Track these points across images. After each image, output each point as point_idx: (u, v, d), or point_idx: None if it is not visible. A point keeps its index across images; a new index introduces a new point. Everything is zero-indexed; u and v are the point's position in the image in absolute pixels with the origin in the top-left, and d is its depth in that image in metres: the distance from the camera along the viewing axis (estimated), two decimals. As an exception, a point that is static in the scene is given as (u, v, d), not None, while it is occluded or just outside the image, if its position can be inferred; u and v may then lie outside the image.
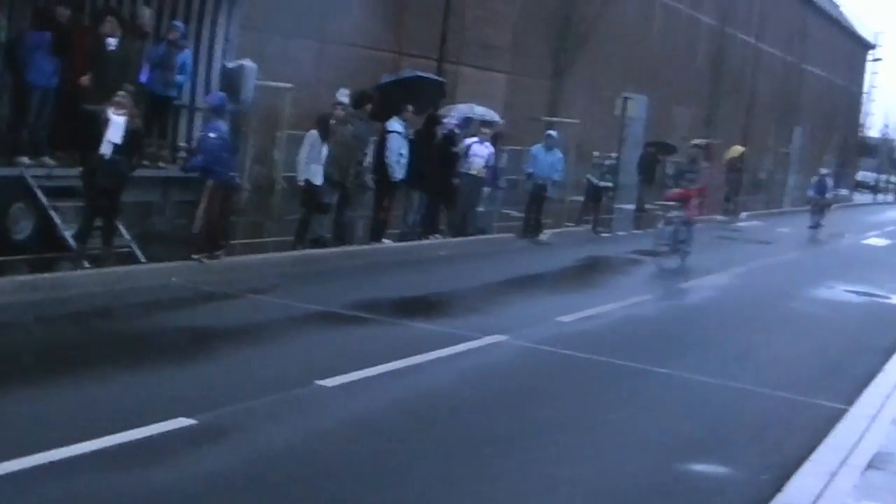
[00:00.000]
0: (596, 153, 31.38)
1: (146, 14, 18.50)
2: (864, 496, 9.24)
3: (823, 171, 44.97)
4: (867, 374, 14.51)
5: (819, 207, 41.21)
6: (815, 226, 40.23)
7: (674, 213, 24.38)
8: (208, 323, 14.12)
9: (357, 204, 21.75)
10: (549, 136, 28.20)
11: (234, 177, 17.62)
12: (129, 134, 15.43)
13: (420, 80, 25.56)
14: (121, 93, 15.63)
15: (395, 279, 19.01)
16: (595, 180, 31.00)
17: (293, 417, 9.97)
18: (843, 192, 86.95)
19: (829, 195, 42.41)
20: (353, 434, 9.68)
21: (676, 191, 24.90)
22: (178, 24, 18.81)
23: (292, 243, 19.33)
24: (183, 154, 18.66)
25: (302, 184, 19.38)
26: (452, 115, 25.50)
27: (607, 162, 32.01)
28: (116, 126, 15.30)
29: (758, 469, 9.93)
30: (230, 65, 19.36)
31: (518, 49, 38.69)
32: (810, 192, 42.33)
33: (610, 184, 32.18)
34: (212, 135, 16.96)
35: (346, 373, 11.35)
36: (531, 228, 27.08)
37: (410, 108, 22.06)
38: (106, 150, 15.28)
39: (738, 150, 51.41)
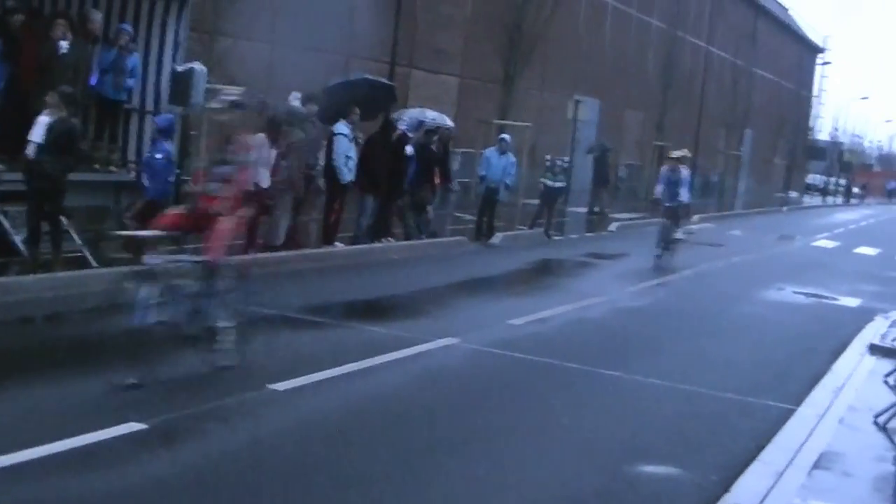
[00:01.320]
0: (548, 156, 31.38)
1: (97, 18, 18.43)
2: (811, 496, 9.33)
3: (676, 153, 28.17)
4: (815, 375, 14.67)
5: (672, 217, 26.83)
6: (663, 250, 26.33)
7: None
8: (157, 326, 14.03)
9: (309, 207, 21.74)
10: (502, 139, 28.35)
11: (171, 195, 17.44)
12: (58, 134, 15.29)
13: (369, 83, 25.54)
14: (50, 93, 15.54)
15: (346, 283, 19.01)
16: (549, 182, 31.04)
17: (244, 421, 9.96)
18: (794, 194, 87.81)
19: (683, 196, 26.79)
20: (303, 438, 9.70)
21: None
22: (127, 27, 18.76)
23: (243, 247, 19.30)
24: (133, 170, 18.53)
25: (251, 187, 19.32)
26: (404, 119, 25.55)
27: (559, 163, 31.81)
28: (39, 126, 15.23)
29: (706, 470, 9.99)
30: (180, 68, 19.30)
31: (469, 53, 38.82)
32: (658, 191, 27.11)
33: (563, 184, 32.19)
34: (158, 156, 16.95)
35: (297, 376, 11.38)
36: (483, 232, 27.16)
37: (357, 110, 22.10)
38: (30, 150, 15.22)
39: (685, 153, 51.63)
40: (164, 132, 17.48)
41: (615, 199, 42.54)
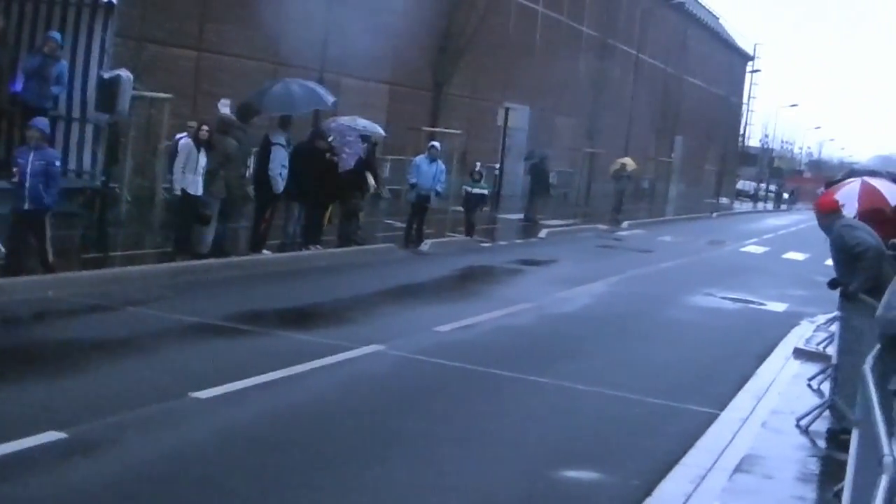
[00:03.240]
0: (478, 163, 31.39)
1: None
2: (732, 498, 9.44)
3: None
4: (740, 379, 14.86)
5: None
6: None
7: None
8: (83, 336, 13.94)
9: (238, 215, 21.67)
10: (432, 146, 28.40)
11: (50, 206, 16.31)
12: None
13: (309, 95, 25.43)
14: None
15: (274, 290, 18.94)
16: (469, 188, 30.95)
17: (165, 430, 9.90)
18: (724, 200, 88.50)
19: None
20: (225, 445, 9.66)
21: None
22: (55, 35, 18.61)
23: (171, 255, 19.24)
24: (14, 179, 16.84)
25: (178, 193, 19.30)
26: (333, 127, 25.51)
27: (478, 168, 31.56)
28: None
29: (629, 474, 10.06)
30: (106, 75, 19.16)
31: (399, 59, 38.82)
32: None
33: (484, 191, 31.79)
34: (39, 162, 15.96)
35: (220, 384, 11.35)
36: (413, 239, 27.17)
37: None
38: None
39: (625, 162, 52.12)
40: (47, 137, 16.53)
41: (547, 206, 42.59)
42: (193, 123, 20.44)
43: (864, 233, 12.91)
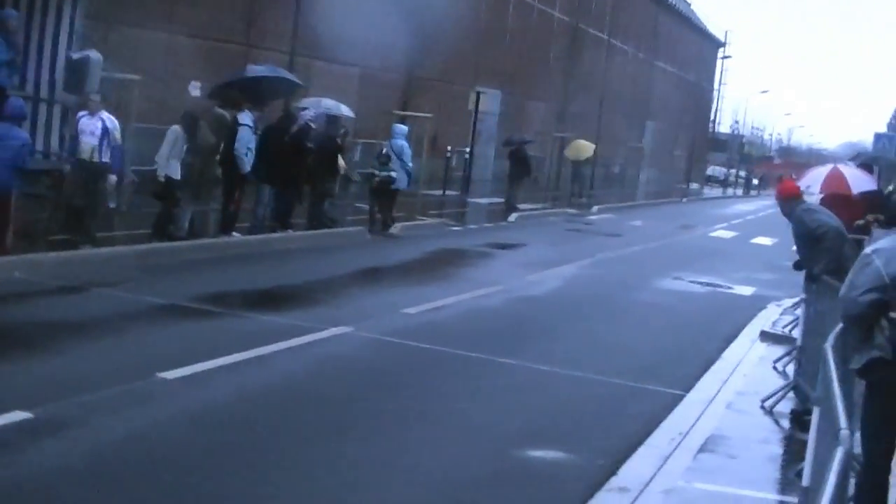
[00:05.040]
0: (384, 146, 29.56)
1: None
2: (696, 478, 9.53)
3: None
4: (706, 361, 14.99)
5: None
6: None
7: None
8: (50, 317, 13.91)
9: (208, 197, 21.66)
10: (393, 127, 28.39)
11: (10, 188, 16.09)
12: None
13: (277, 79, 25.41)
14: None
15: (243, 272, 18.96)
16: (377, 172, 27.13)
17: (132, 410, 9.91)
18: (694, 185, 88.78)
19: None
20: (192, 425, 9.68)
21: None
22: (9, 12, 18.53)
23: (149, 236, 19.21)
24: None
25: (162, 179, 19.26)
26: (309, 110, 25.48)
27: (384, 150, 27.55)
28: None
29: (594, 454, 10.15)
30: (75, 56, 19.15)
31: (370, 43, 38.75)
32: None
33: (389, 174, 27.02)
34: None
35: (187, 365, 11.34)
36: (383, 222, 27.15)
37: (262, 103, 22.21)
38: None
39: (582, 147, 52.31)
40: (17, 118, 16.29)
41: (527, 190, 42.63)
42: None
43: (825, 215, 13.08)
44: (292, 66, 30.47)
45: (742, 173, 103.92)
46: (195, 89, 21.12)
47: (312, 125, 24.23)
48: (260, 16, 33.14)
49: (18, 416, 9.09)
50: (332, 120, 26.16)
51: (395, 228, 27.15)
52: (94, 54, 19.35)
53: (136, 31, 26.43)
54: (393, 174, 27.02)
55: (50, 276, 15.79)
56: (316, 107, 26.48)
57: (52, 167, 19.46)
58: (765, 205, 68.34)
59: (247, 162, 21.29)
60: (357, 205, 28.72)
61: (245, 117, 21.54)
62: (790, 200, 13.33)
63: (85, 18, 19.96)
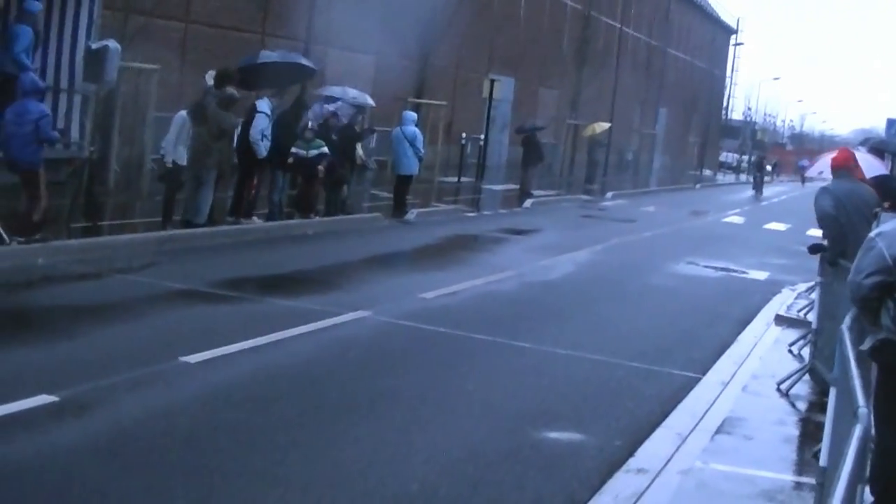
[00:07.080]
0: (309, 120, 28.57)
1: None
2: (713, 458, 9.60)
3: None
4: (721, 345, 15.03)
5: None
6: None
7: None
8: (73, 302, 14.08)
9: (227, 184, 21.80)
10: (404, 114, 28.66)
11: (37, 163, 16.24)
12: None
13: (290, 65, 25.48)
14: None
15: (261, 258, 19.06)
16: (302, 152, 23.49)
17: (155, 392, 10.04)
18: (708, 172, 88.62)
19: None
20: (213, 407, 9.78)
21: None
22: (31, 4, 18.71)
23: (161, 223, 19.35)
24: None
25: (170, 165, 19.43)
26: (337, 103, 25.73)
27: (310, 124, 23.91)
28: None
29: (611, 435, 10.22)
30: (94, 45, 19.25)
31: (385, 30, 38.82)
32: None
33: (319, 152, 23.60)
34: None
35: (208, 349, 11.46)
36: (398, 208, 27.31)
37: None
38: None
39: (597, 127, 52.17)
40: (30, 93, 16.09)
41: (541, 176, 42.69)
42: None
43: (826, 199, 12.88)
44: (307, 55, 30.47)
45: (752, 158, 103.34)
46: (212, 78, 21.17)
47: (340, 115, 24.51)
48: (275, 4, 33.25)
49: (44, 399, 9.22)
50: (359, 110, 26.42)
51: (411, 215, 27.27)
52: (113, 44, 19.44)
53: (153, 20, 26.54)
54: (324, 149, 23.70)
55: (71, 262, 15.95)
56: (343, 96, 26.67)
57: (73, 155, 19.60)
58: (778, 191, 68.34)
59: (262, 148, 21.41)
60: (372, 192, 28.80)
61: (263, 104, 21.66)
62: (834, 171, 13.26)
63: (103, 9, 20.06)
